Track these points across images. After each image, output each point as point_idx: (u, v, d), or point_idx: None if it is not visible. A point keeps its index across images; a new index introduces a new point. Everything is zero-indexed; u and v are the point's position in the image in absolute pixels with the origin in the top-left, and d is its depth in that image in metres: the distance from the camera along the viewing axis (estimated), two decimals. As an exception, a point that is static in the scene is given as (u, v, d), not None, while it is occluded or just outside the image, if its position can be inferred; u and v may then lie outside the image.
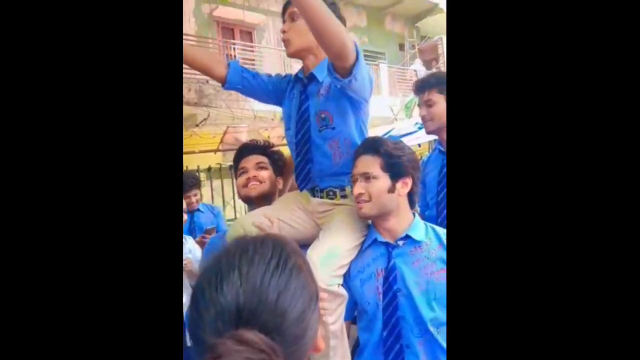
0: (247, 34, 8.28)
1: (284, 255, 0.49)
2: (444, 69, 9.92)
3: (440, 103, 1.61)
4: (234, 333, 0.43)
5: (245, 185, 1.42)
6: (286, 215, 1.28)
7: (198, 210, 2.88)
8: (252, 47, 7.88)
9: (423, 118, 1.65)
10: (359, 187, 1.12)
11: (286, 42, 1.25)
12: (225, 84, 1.33)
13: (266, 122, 6.71)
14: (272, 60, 7.78)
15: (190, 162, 5.31)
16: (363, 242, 1.19)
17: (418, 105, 1.73)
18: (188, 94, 6.34)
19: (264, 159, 1.45)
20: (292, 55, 1.27)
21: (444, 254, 1.10)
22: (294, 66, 8.45)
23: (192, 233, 2.73)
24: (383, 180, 1.12)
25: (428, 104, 1.63)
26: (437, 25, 10.33)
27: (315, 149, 1.25)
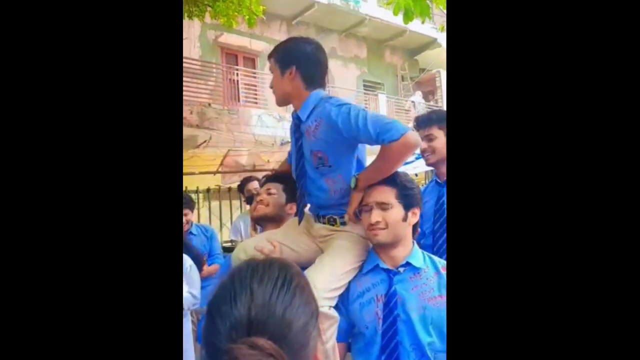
0: (250, 60, 8.48)
1: (289, 276, 0.57)
2: (441, 101, 10.35)
3: (440, 138, 1.71)
4: (247, 339, 0.50)
5: (254, 208, 1.59)
6: (289, 239, 1.35)
7: (190, 233, 2.89)
8: (254, 73, 8.07)
9: (424, 151, 1.74)
10: (376, 215, 1.18)
11: (274, 93, 1.36)
12: None
13: (266, 146, 6.80)
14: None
15: (189, 183, 5.35)
16: (362, 266, 1.25)
17: None
18: (190, 116, 6.45)
19: (275, 186, 1.59)
20: (279, 104, 1.38)
21: (440, 281, 1.16)
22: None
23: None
24: (398, 210, 1.18)
25: (429, 138, 1.72)
26: (435, 58, 10.69)
27: (311, 183, 1.33)
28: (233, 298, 0.53)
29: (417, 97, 9.73)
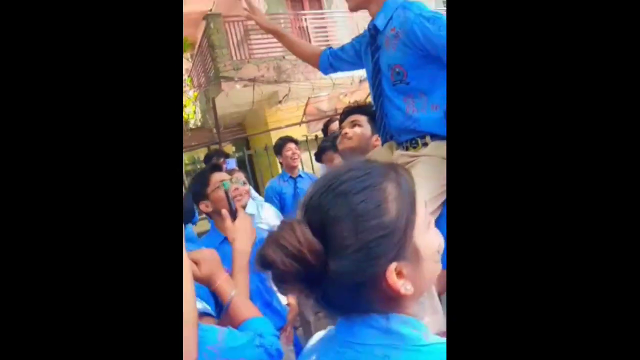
0: (317, 2, 8.19)
1: (383, 179, 0.51)
2: None
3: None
4: (288, 219, 0.51)
5: (340, 142, 1.57)
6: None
7: (299, 176, 2.97)
8: (322, 14, 7.80)
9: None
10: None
11: None
12: (321, 71, 1.51)
13: (345, 87, 6.69)
14: (344, 24, 7.65)
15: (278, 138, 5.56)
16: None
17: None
18: (267, 73, 6.56)
19: (361, 117, 1.55)
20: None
21: None
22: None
23: (295, 198, 2.89)
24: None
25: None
26: None
27: (388, 103, 1.23)
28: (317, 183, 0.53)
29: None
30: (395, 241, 0.49)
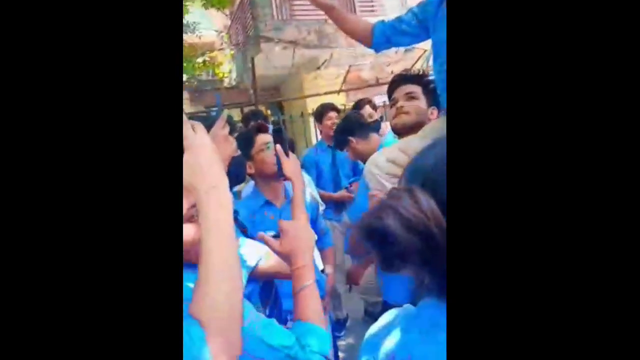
0: None
1: None
2: None
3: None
4: (412, 188, 0.44)
5: (395, 116, 1.41)
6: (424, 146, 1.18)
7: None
8: None
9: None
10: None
11: None
12: (373, 48, 1.34)
13: (389, 56, 6.40)
14: (391, 2, 7.27)
15: (315, 106, 5.44)
16: None
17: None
18: (309, 35, 6.35)
19: (416, 89, 1.40)
20: None
21: None
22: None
23: (334, 167, 2.80)
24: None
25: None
26: None
27: None
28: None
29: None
30: None
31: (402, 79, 1.46)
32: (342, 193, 2.63)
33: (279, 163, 1.13)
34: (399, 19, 1.31)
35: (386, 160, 1.17)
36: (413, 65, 6.25)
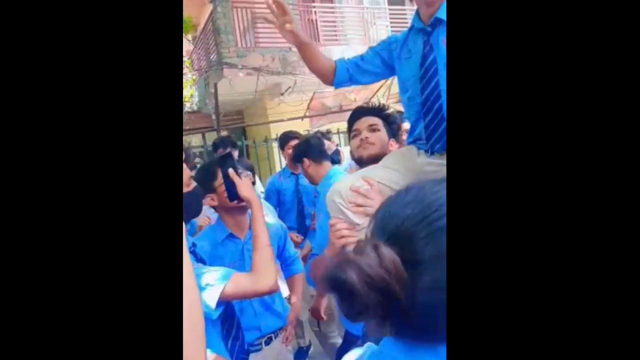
0: None
1: None
2: None
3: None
4: (376, 242, 0.44)
5: (359, 147, 1.44)
6: (387, 176, 1.19)
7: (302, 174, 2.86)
8: (332, 8, 7.67)
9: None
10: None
11: None
12: (334, 85, 1.33)
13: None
14: (353, 21, 7.53)
15: (278, 131, 5.47)
16: None
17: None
18: (272, 63, 6.42)
19: (377, 121, 1.45)
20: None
21: None
22: (378, 24, 8.08)
23: (296, 195, 2.77)
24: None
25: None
26: None
27: (444, 106, 1.13)
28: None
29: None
30: None
31: (364, 111, 1.51)
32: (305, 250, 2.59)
33: (230, 187, 1.10)
34: (361, 58, 1.32)
35: (349, 189, 1.17)
36: (375, 93, 6.45)
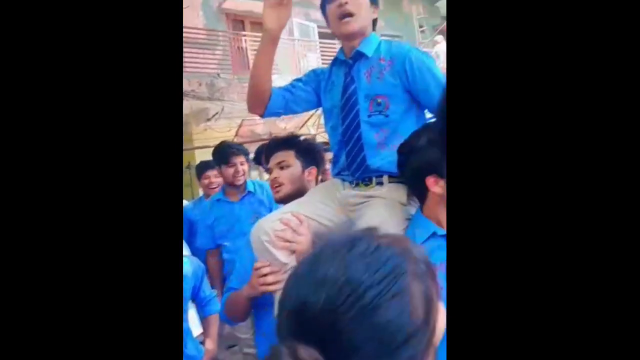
0: (258, 25, 8.19)
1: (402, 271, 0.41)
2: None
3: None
4: (292, 344, 0.38)
5: (272, 188, 1.38)
6: (314, 211, 1.17)
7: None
8: (245, 35, 7.68)
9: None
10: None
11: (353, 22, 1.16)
12: (265, 113, 1.24)
13: None
14: (284, 51, 7.64)
15: (205, 157, 5.28)
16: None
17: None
18: (199, 88, 6.27)
19: (287, 155, 1.37)
20: (351, 34, 1.16)
21: None
22: (309, 56, 8.29)
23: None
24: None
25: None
26: None
27: (360, 137, 1.14)
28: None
29: (441, 45, 8.20)
30: (423, 344, 0.41)
31: (276, 144, 1.44)
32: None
33: None
34: (293, 86, 1.29)
35: (279, 221, 1.12)
36: (305, 122, 6.51)
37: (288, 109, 1.27)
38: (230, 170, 2.33)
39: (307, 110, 1.33)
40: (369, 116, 1.13)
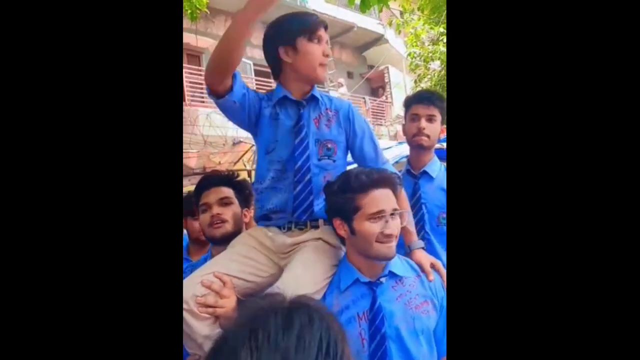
0: (195, 57, 7.83)
1: (333, 344, 0.43)
2: (391, 97, 10.92)
3: (437, 122, 1.54)
4: None
5: (211, 225, 1.30)
6: (239, 268, 1.10)
7: None
8: (200, 70, 7.06)
9: (421, 131, 1.52)
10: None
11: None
12: (229, 94, 1.09)
13: (217, 147, 6.01)
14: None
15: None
16: (337, 283, 1.07)
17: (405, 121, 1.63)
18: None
19: (227, 193, 1.33)
20: (320, 80, 1.17)
21: (422, 285, 1.06)
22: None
23: None
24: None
25: (430, 119, 1.53)
26: (383, 55, 10.95)
27: (311, 179, 1.14)
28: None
29: (343, 88, 9.47)
30: None
31: (213, 180, 1.37)
32: None
33: None
34: (247, 89, 1.17)
35: (201, 284, 1.02)
36: (240, 157, 5.93)
37: (242, 106, 1.13)
38: None
39: (239, 125, 1.21)
40: (319, 159, 1.15)
